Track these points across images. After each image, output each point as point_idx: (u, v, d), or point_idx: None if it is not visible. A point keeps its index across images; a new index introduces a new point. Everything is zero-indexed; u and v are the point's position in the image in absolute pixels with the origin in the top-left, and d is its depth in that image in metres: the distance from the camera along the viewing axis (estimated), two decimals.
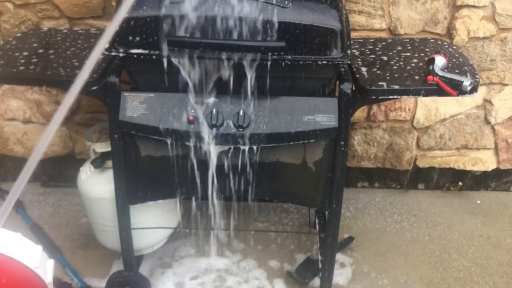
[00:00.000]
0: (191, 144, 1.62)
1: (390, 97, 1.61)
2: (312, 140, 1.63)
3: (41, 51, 1.77)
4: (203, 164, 1.69)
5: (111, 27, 0.91)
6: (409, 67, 1.72)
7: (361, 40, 2.00)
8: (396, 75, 1.66)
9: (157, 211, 1.94)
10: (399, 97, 1.63)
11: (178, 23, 1.44)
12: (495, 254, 2.27)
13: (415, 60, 1.77)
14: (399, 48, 1.89)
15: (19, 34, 1.94)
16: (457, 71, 1.65)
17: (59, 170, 2.60)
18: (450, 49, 1.87)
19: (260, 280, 2.08)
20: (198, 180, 1.72)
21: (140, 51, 1.50)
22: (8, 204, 0.85)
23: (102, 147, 1.87)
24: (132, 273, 1.91)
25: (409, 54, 1.84)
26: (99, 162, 1.86)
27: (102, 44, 0.87)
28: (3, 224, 0.88)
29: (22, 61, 1.68)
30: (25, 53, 1.74)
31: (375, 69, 1.71)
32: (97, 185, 1.88)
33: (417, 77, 1.64)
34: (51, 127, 0.82)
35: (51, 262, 0.96)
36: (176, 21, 1.44)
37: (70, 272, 2.07)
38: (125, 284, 1.88)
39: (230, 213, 2.32)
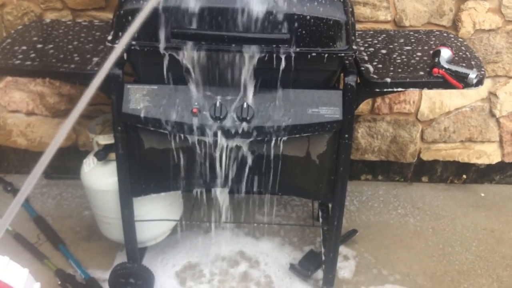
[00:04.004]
0: (194, 136, 1.62)
1: (395, 89, 1.60)
2: (316, 133, 1.62)
3: (40, 46, 1.75)
4: (206, 156, 1.68)
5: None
6: (413, 60, 1.70)
7: (361, 32, 1.98)
8: (401, 67, 1.65)
9: (160, 204, 1.94)
10: (404, 89, 1.62)
11: (182, 14, 1.43)
12: (498, 247, 2.27)
13: (419, 54, 1.75)
14: (404, 40, 1.88)
15: (20, 27, 1.93)
16: (463, 64, 1.64)
17: (62, 162, 2.59)
18: (456, 42, 1.86)
19: (264, 272, 2.09)
20: (201, 173, 1.72)
21: (143, 43, 1.49)
22: (17, 202, 0.83)
23: (106, 139, 1.87)
24: (136, 265, 1.92)
25: (414, 46, 1.82)
26: (102, 154, 1.86)
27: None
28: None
29: (20, 56, 1.67)
30: (24, 47, 1.72)
31: (380, 62, 1.69)
32: (100, 177, 1.88)
33: (422, 70, 1.63)
34: (67, 124, 0.81)
35: (37, 286, 0.94)
36: (179, 12, 1.43)
37: (73, 263, 2.07)
38: (128, 276, 1.89)
39: (234, 206, 2.32)
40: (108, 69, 0.86)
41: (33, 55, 1.67)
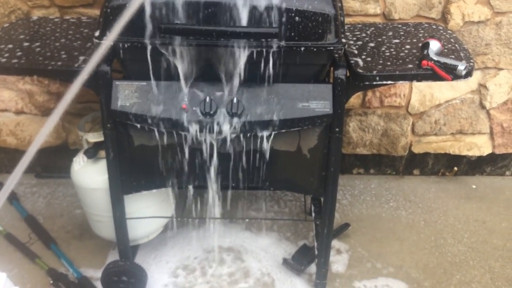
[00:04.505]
0: (185, 132, 1.61)
1: (385, 82, 1.60)
2: (306, 127, 1.62)
3: (26, 44, 1.73)
4: (197, 152, 1.67)
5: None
6: (402, 53, 1.70)
7: (349, 26, 1.98)
8: (390, 60, 1.65)
9: (152, 201, 1.93)
10: (393, 82, 1.62)
11: (169, 9, 1.42)
12: (490, 238, 2.28)
13: (408, 46, 1.75)
14: (393, 33, 1.88)
15: (6, 25, 1.91)
16: (452, 56, 1.64)
17: (52, 161, 2.58)
18: (445, 34, 1.86)
19: (257, 268, 2.09)
20: (192, 169, 1.72)
21: (130, 39, 1.48)
22: (1, 198, 0.82)
23: (95, 137, 1.86)
24: (128, 263, 1.91)
25: (402, 39, 1.82)
26: (92, 152, 1.85)
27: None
28: None
29: (6, 54, 1.64)
30: (10, 46, 1.70)
31: (369, 55, 1.69)
32: (90, 175, 1.87)
33: (411, 63, 1.63)
34: (50, 122, 0.80)
35: None
36: (166, 7, 1.42)
37: (65, 263, 2.06)
38: (121, 274, 1.88)
39: (226, 202, 2.32)
40: (93, 66, 0.85)
41: (19, 53, 1.66)
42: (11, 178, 0.80)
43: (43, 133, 0.76)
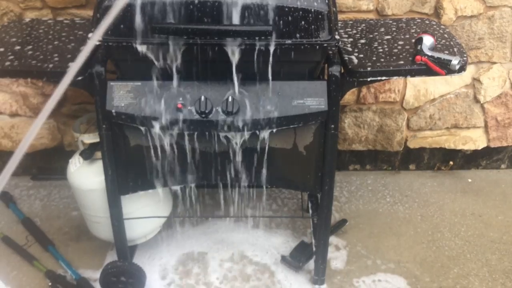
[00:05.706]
0: (180, 132, 1.61)
1: (379, 78, 1.61)
2: (302, 124, 1.62)
3: (18, 47, 1.72)
4: (193, 152, 1.68)
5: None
6: (396, 49, 1.71)
7: (341, 22, 1.98)
8: (384, 56, 1.65)
9: (149, 201, 1.93)
10: (388, 78, 1.63)
11: (162, 9, 1.42)
12: (487, 232, 2.29)
13: (401, 42, 1.76)
14: (385, 29, 1.88)
15: None
16: (446, 52, 1.64)
17: (48, 163, 2.57)
18: (438, 29, 1.87)
19: (254, 265, 2.09)
20: (188, 169, 1.72)
21: (123, 39, 1.48)
22: None
23: (91, 138, 1.86)
24: (127, 263, 1.91)
25: (394, 35, 1.83)
26: (88, 153, 1.85)
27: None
28: None
29: None
30: (2, 49, 1.70)
31: (362, 51, 1.70)
32: (87, 176, 1.87)
33: (404, 58, 1.63)
34: (37, 123, 0.79)
35: None
36: (159, 7, 1.42)
37: (63, 264, 2.06)
38: (119, 274, 1.88)
39: (220, 200, 2.32)
40: (83, 65, 0.85)
41: (11, 57, 1.65)
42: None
43: (32, 132, 0.75)
